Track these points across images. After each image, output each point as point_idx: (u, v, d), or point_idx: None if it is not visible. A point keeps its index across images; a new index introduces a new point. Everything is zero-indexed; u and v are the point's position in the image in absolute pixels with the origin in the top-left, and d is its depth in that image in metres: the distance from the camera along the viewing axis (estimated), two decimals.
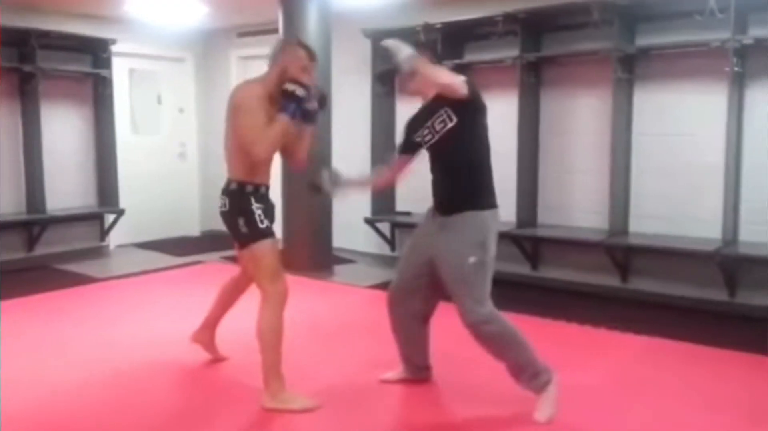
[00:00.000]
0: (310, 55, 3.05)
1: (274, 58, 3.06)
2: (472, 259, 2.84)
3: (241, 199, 3.00)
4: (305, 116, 3.03)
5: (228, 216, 3.04)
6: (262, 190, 3.06)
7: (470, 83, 2.84)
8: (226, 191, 3.04)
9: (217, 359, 3.59)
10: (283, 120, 2.90)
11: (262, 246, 3.01)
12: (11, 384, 3.24)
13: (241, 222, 2.99)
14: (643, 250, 4.93)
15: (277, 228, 3.17)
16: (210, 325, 3.55)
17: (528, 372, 2.89)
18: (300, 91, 2.90)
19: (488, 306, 2.88)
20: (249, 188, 3.01)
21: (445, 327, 3.13)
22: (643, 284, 5.00)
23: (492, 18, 5.21)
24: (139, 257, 6.73)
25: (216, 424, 2.92)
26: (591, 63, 5.10)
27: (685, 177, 4.81)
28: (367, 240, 6.42)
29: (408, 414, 3.11)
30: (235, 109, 2.97)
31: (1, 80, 5.87)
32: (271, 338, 2.97)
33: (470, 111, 2.87)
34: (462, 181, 2.94)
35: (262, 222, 3.01)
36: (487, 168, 2.97)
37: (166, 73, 7.66)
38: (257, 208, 3.00)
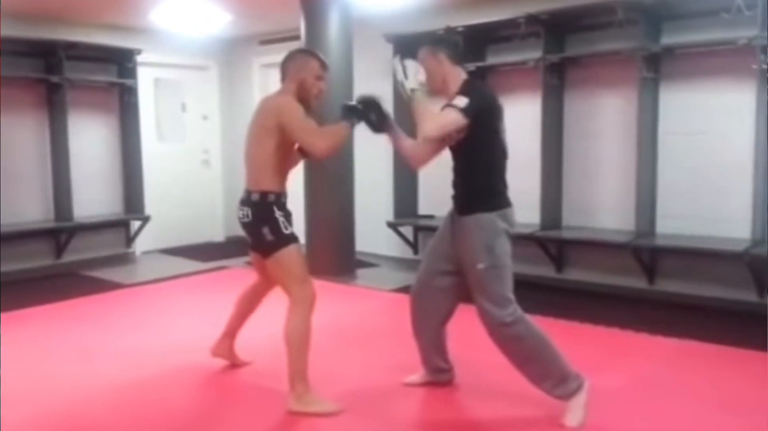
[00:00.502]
0: (323, 64, 3.14)
1: (288, 71, 3.12)
2: (480, 265, 2.84)
3: (263, 208, 3.03)
4: (372, 125, 3.20)
5: (251, 226, 3.05)
6: (282, 198, 3.10)
7: (474, 99, 2.78)
8: (248, 202, 3.06)
9: (240, 364, 3.60)
10: (345, 125, 3.07)
11: (289, 252, 3.03)
12: (34, 389, 3.29)
13: (266, 230, 3.01)
14: (670, 251, 4.85)
15: (299, 233, 3.18)
16: (229, 335, 3.56)
17: (554, 378, 2.83)
18: (360, 106, 3.12)
19: (509, 308, 2.83)
20: (271, 197, 3.04)
21: (469, 331, 3.10)
22: (670, 285, 4.93)
23: (514, 20, 5.18)
24: (164, 263, 6.80)
25: (240, 427, 2.92)
26: (615, 63, 5.04)
27: (712, 176, 4.73)
28: (389, 243, 6.42)
29: (431, 418, 3.09)
30: (279, 116, 2.97)
31: (27, 91, 6.01)
32: (299, 342, 2.98)
33: (475, 121, 2.81)
34: (472, 182, 2.94)
35: (286, 228, 3.04)
36: (498, 170, 2.94)
37: (190, 81, 7.75)
38: (280, 215, 3.03)
